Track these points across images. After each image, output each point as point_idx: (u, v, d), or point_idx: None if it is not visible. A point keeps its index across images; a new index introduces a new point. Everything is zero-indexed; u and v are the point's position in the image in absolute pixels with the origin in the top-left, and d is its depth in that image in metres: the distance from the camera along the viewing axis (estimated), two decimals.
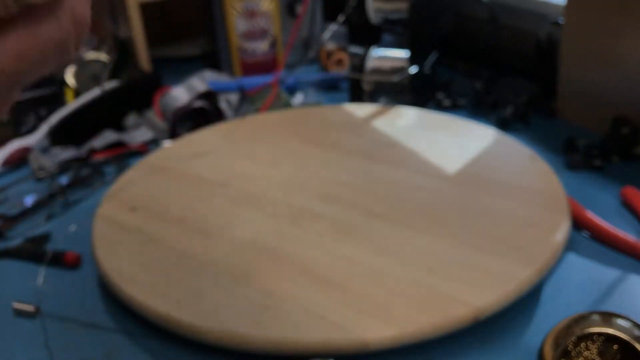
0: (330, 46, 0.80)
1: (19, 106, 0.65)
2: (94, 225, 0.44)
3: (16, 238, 0.47)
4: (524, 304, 0.37)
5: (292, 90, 0.73)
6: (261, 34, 0.79)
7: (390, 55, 0.67)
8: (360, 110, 0.62)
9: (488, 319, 0.35)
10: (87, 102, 0.64)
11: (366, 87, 0.66)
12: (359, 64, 0.66)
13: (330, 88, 0.75)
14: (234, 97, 0.67)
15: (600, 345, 0.31)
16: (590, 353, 0.31)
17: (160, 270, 0.40)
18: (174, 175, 0.52)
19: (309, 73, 0.77)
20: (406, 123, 0.59)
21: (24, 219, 0.50)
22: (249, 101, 0.68)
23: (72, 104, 0.64)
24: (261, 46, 0.80)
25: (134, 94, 0.67)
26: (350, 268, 0.38)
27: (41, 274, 0.43)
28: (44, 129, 0.62)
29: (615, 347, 0.31)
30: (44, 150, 0.60)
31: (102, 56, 0.74)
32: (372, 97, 0.67)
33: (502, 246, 0.39)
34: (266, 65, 0.80)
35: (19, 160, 0.59)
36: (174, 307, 0.36)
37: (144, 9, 0.77)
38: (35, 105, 0.67)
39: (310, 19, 0.82)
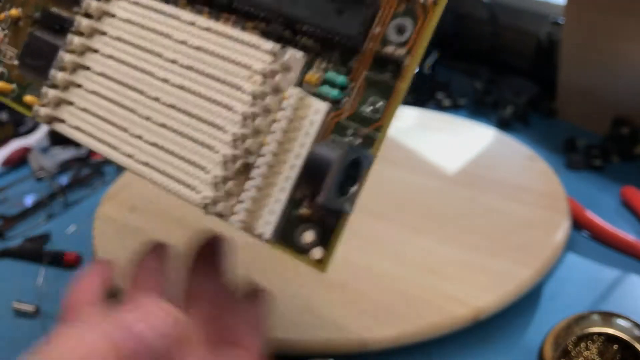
0: None
1: None
2: (94, 225, 0.44)
3: (16, 238, 0.47)
4: (524, 304, 0.37)
5: None
6: None
7: None
8: None
9: (488, 319, 0.35)
10: None
11: None
12: None
13: None
14: None
15: (600, 345, 0.31)
16: (590, 353, 0.31)
17: None
18: None
19: None
20: (406, 123, 0.59)
21: (24, 219, 0.50)
22: None
23: None
24: None
25: None
26: (350, 268, 0.38)
27: (41, 274, 0.43)
28: (44, 129, 0.62)
29: (615, 347, 0.31)
30: (44, 150, 0.59)
31: None
32: None
33: (502, 246, 0.39)
34: None
35: (19, 160, 0.59)
36: None
37: None
38: None
39: None
